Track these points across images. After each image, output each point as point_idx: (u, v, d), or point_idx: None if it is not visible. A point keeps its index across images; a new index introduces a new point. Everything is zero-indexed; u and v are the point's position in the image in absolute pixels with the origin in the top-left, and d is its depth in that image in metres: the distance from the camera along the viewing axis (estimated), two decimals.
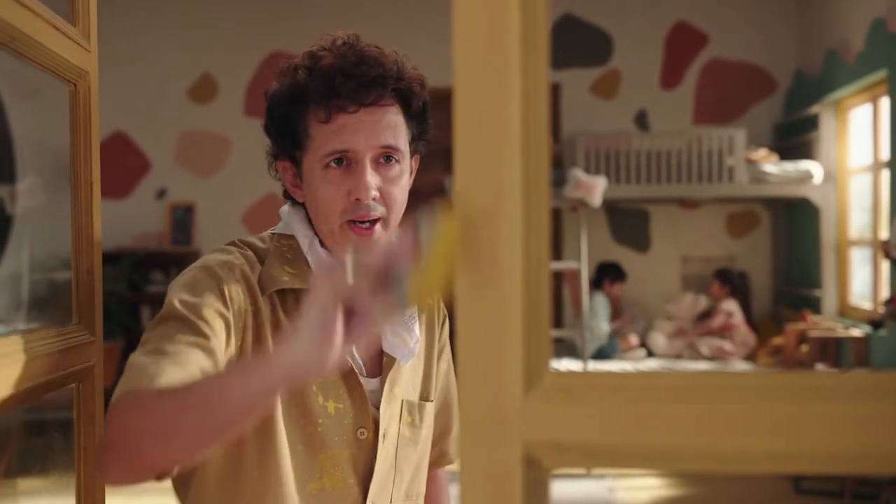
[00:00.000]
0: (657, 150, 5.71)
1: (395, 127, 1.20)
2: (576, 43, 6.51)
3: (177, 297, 1.11)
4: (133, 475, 0.99)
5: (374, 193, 1.18)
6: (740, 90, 6.51)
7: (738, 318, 5.85)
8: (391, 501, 1.26)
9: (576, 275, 5.89)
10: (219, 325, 1.10)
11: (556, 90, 6.51)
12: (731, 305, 5.89)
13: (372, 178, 1.17)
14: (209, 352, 1.07)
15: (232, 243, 1.24)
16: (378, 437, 1.23)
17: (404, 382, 1.29)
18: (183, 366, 1.02)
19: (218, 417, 0.92)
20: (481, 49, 0.63)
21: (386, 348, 1.25)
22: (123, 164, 6.68)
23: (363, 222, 1.18)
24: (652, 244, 6.61)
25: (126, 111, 6.59)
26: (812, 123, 5.81)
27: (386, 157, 1.19)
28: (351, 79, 1.16)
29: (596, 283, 6.04)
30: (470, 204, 0.63)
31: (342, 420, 1.21)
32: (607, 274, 6.09)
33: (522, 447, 0.63)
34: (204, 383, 0.98)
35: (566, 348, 6.15)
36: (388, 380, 1.25)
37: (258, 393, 0.92)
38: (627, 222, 6.59)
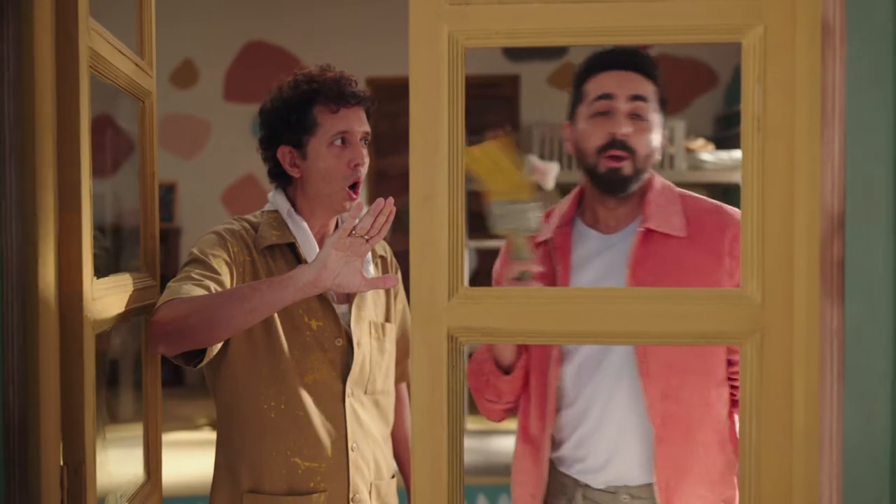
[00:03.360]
0: None
1: (366, 121, 1.80)
2: None
3: (197, 248, 1.71)
4: (176, 344, 1.56)
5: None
6: (685, 84, 7.03)
7: None
8: (366, 393, 1.78)
9: None
10: (225, 268, 1.68)
11: (515, 81, 6.98)
12: None
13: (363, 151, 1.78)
14: (220, 283, 1.64)
15: (235, 219, 1.81)
16: (352, 345, 1.76)
17: (368, 308, 1.82)
18: (203, 288, 1.60)
19: (246, 308, 1.52)
20: (426, 100, 1.12)
21: None
22: (109, 145, 7.06)
23: (355, 187, 1.75)
24: None
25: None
26: None
27: (365, 140, 1.78)
28: (350, 85, 1.77)
29: None
30: (418, 191, 1.12)
31: (323, 333, 1.75)
32: None
33: (447, 330, 1.12)
34: (239, 288, 1.58)
35: None
36: (354, 305, 1.79)
37: (280, 297, 1.52)
38: None
